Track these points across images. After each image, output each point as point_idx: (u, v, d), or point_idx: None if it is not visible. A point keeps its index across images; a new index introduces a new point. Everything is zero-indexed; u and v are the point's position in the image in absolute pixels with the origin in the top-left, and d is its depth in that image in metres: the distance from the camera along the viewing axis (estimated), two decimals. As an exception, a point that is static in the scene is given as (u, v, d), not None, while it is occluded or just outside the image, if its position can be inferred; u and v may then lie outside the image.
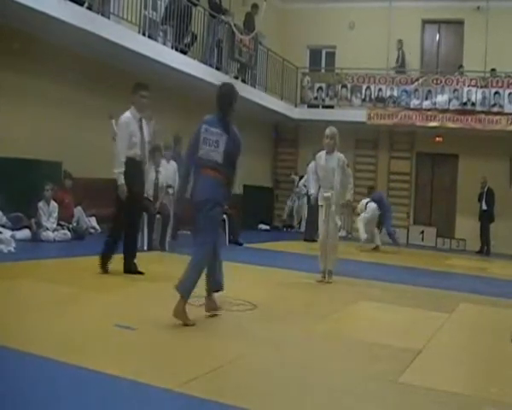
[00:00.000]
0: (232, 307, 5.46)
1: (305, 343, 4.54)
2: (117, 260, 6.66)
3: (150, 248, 9.11)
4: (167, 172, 9.76)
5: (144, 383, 3.22)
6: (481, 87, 15.75)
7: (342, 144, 7.81)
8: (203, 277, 4.91)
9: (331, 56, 18.84)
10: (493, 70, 16.10)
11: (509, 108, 15.44)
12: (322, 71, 18.94)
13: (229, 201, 5.29)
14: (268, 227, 17.38)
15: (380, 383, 3.69)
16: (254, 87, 15.11)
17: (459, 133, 16.15)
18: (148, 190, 9.24)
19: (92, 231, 10.48)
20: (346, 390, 3.51)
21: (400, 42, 17.40)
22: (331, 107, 17.41)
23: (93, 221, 10.68)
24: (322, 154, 7.63)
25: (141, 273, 6.67)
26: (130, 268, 6.69)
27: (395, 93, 16.55)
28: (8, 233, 8.24)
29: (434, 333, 5.17)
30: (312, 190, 7.97)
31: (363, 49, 17.31)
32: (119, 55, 10.46)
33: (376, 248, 13.38)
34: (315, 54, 19.30)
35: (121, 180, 6.49)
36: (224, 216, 10.65)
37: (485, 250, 15.78)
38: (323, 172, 7.58)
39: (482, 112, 15.65)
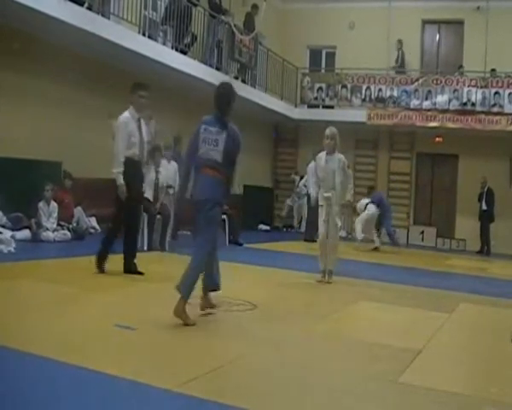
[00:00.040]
0: (232, 307, 5.46)
1: (305, 343, 4.54)
2: (117, 260, 6.66)
3: (150, 249, 9.11)
4: (168, 172, 9.76)
5: (144, 383, 3.22)
6: (481, 87, 15.75)
7: (342, 145, 7.81)
8: (200, 276, 4.92)
9: (331, 56, 18.85)
10: (493, 70, 16.10)
11: (509, 109, 15.45)
12: (322, 71, 18.94)
13: (229, 200, 5.29)
14: (268, 227, 17.38)
15: (380, 383, 3.68)
16: (254, 87, 15.12)
17: (459, 133, 16.16)
18: (148, 191, 9.26)
19: (92, 231, 10.47)
20: (346, 390, 3.51)
21: (400, 42, 17.40)
22: (331, 107, 17.41)
23: (93, 221, 10.68)
24: (323, 155, 7.61)
25: (141, 273, 6.67)
26: (130, 268, 6.69)
27: (395, 93, 16.55)
28: (8, 233, 8.24)
29: (434, 333, 5.16)
30: (313, 193, 7.93)
31: (363, 49, 17.31)
32: (119, 55, 10.46)
33: (376, 249, 13.39)
34: (315, 54, 19.30)
35: (120, 180, 6.49)
36: (224, 216, 10.66)
37: (485, 250, 15.79)
38: (324, 174, 7.56)
39: (482, 112, 15.65)
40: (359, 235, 13.36)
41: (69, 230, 9.56)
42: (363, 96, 16.86)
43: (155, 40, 11.40)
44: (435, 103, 16.08)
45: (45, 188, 9.24)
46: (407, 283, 8.26)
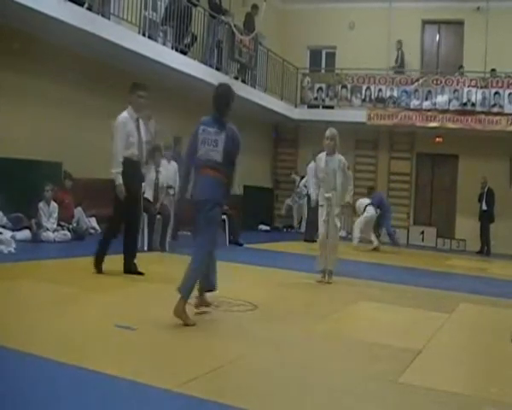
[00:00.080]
0: (232, 307, 5.46)
1: (305, 343, 4.54)
2: (117, 261, 6.66)
3: (150, 249, 9.10)
4: (168, 172, 9.75)
5: (144, 383, 3.22)
6: (481, 87, 15.75)
7: (342, 145, 7.81)
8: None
9: (331, 57, 18.85)
10: (493, 70, 16.11)
11: (509, 109, 15.45)
12: (323, 71, 18.94)
13: (229, 200, 5.30)
14: (268, 228, 17.38)
15: (380, 383, 3.68)
16: (254, 88, 15.12)
17: (459, 134, 16.16)
18: (149, 191, 9.26)
19: (92, 231, 10.46)
20: (346, 390, 3.51)
21: (399, 42, 17.40)
22: (331, 107, 17.41)
23: (93, 222, 10.68)
24: (323, 155, 7.61)
25: (141, 274, 6.66)
26: (130, 268, 6.69)
27: (395, 93, 16.55)
28: (8, 234, 8.23)
29: (434, 333, 5.16)
30: (313, 195, 7.92)
31: (363, 49, 17.31)
32: (120, 55, 10.46)
33: (376, 249, 13.39)
34: (315, 54, 19.30)
35: (119, 180, 6.49)
36: (224, 217, 10.65)
37: (485, 250, 15.78)
38: (324, 175, 7.55)
39: (482, 112, 15.66)
40: (355, 239, 13.49)
41: (69, 230, 9.57)
42: (363, 97, 16.87)
43: (155, 40, 11.40)
44: (435, 103, 16.09)
45: (45, 188, 9.24)
46: (407, 283, 8.26)
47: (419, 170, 17.95)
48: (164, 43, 11.76)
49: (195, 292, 5.04)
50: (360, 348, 4.52)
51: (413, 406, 3.39)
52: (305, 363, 3.98)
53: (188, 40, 12.49)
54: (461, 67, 16.73)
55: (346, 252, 10.39)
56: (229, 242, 11.36)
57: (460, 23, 17.55)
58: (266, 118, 17.22)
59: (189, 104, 12.47)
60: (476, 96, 15.77)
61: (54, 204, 9.40)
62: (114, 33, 9.81)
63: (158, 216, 9.37)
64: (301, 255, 10.79)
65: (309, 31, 18.15)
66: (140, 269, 6.72)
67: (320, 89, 17.40)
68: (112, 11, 10.36)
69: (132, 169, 6.61)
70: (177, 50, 11.90)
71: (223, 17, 13.41)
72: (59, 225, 9.42)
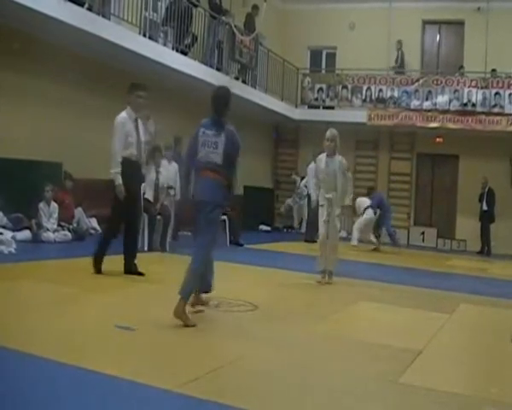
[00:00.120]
0: (232, 307, 5.46)
1: (305, 344, 4.53)
2: (117, 261, 6.66)
3: (151, 249, 9.10)
4: (168, 173, 9.76)
5: (144, 383, 3.22)
6: (482, 88, 15.74)
7: (342, 145, 7.80)
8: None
9: (331, 57, 18.85)
10: (494, 71, 16.10)
11: (510, 109, 15.44)
12: (323, 72, 18.94)
13: (230, 201, 5.31)
14: (269, 228, 17.37)
15: (380, 383, 3.68)
16: (255, 88, 15.12)
17: (459, 134, 16.15)
18: (149, 191, 9.26)
19: (92, 231, 10.46)
20: (347, 391, 3.51)
21: (399, 42, 17.40)
22: (331, 108, 17.40)
23: (93, 222, 10.67)
24: (323, 157, 7.59)
25: (141, 274, 6.66)
26: (130, 269, 6.68)
27: (395, 94, 16.55)
28: (8, 234, 8.22)
29: (435, 333, 5.16)
30: (314, 196, 7.92)
31: (363, 49, 17.31)
32: (120, 55, 10.46)
33: (376, 249, 13.39)
34: (315, 55, 19.29)
35: (119, 180, 6.49)
36: (225, 217, 10.65)
37: (485, 251, 15.77)
38: (324, 175, 7.54)
39: (483, 113, 15.65)
40: (354, 240, 13.52)
41: (69, 230, 9.56)
42: (363, 97, 16.86)
43: (156, 41, 11.40)
44: (436, 104, 16.08)
45: (45, 188, 9.24)
46: (407, 283, 8.26)
47: (419, 170, 17.94)
48: (164, 44, 11.76)
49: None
50: (360, 348, 4.52)
51: (413, 406, 3.39)
52: (305, 363, 3.98)
53: (188, 41, 12.48)
54: (461, 67, 16.72)
55: (346, 252, 10.38)
56: (230, 242, 11.35)
57: (460, 23, 17.55)
58: (267, 118, 17.22)
59: (189, 105, 12.47)
60: (477, 96, 15.76)
61: (54, 204, 9.40)
62: (114, 34, 9.81)
63: (158, 216, 9.37)
64: (301, 256, 10.79)
65: (309, 31, 18.16)
66: (140, 269, 6.71)
67: (320, 89, 17.40)
68: (112, 11, 10.37)
69: (131, 169, 6.61)
70: (177, 51, 11.90)
71: (223, 17, 13.41)
72: (59, 225, 9.42)
